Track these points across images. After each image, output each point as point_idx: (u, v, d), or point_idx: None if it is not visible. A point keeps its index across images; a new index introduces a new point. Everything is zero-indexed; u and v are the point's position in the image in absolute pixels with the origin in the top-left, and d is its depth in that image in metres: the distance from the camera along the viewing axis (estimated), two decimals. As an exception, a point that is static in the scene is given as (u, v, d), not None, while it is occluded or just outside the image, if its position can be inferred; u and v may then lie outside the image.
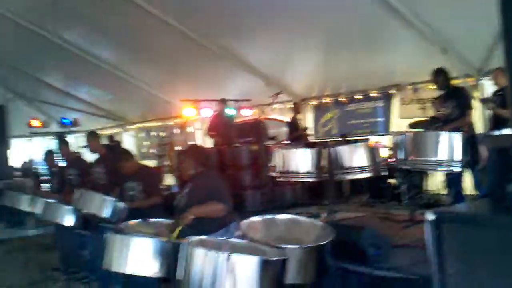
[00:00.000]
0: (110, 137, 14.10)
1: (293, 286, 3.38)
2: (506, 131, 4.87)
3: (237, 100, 10.03)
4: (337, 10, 7.60)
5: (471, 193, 6.60)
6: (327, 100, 10.80)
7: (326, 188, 5.20)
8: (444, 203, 6.61)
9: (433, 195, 7.47)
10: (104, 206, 4.80)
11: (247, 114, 11.05)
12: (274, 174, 5.01)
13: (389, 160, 7.11)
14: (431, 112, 6.90)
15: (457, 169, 4.76)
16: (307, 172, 4.76)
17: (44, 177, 11.32)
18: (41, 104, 16.04)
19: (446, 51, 7.49)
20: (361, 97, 10.15)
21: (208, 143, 9.85)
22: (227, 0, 8.23)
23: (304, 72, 10.29)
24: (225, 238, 2.71)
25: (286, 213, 4.29)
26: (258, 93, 9.86)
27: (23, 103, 15.85)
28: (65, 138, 9.22)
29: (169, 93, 12.54)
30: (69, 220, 5.25)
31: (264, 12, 8.21)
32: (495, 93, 6.08)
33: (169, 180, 10.36)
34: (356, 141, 7.29)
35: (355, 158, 4.71)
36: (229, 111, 9.61)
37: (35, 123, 14.61)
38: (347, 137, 8.98)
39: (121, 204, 4.87)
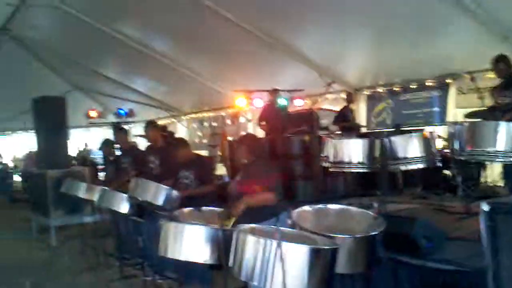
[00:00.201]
0: (164, 127, 14.40)
1: (343, 275, 3.39)
2: None
3: (289, 91, 10.01)
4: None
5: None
6: (380, 90, 10.61)
7: (378, 179, 5.12)
8: (501, 195, 6.37)
9: (490, 186, 7.21)
10: (159, 194, 4.87)
11: (300, 104, 11.03)
12: (326, 164, 5.00)
13: (444, 150, 6.94)
14: (489, 102, 6.65)
15: (515, 160, 4.57)
16: (359, 163, 4.73)
17: (100, 166, 11.70)
18: (98, 95, 16.60)
19: (507, 38, 7.20)
20: (416, 86, 9.90)
21: (260, 133, 9.92)
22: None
23: (358, 62, 10.16)
24: (276, 227, 2.73)
25: (337, 204, 4.26)
26: (311, 83, 9.79)
27: (81, 94, 16.40)
28: (123, 127, 9.48)
29: (222, 84, 12.66)
30: (124, 207, 5.38)
31: (317, 2, 8.16)
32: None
33: (220, 170, 10.49)
34: (410, 131, 7.13)
35: (409, 149, 4.64)
36: (281, 101, 9.61)
37: (93, 113, 15.11)
38: (401, 127, 8.79)
39: (175, 193, 4.95)
